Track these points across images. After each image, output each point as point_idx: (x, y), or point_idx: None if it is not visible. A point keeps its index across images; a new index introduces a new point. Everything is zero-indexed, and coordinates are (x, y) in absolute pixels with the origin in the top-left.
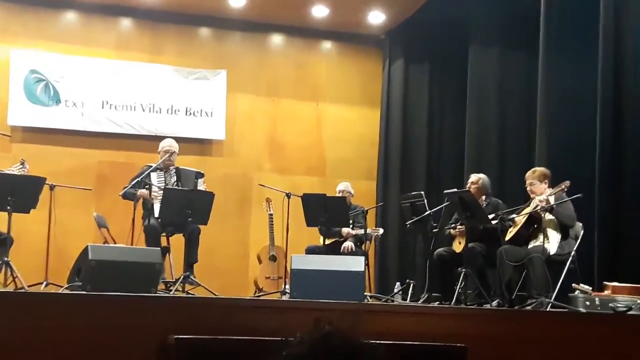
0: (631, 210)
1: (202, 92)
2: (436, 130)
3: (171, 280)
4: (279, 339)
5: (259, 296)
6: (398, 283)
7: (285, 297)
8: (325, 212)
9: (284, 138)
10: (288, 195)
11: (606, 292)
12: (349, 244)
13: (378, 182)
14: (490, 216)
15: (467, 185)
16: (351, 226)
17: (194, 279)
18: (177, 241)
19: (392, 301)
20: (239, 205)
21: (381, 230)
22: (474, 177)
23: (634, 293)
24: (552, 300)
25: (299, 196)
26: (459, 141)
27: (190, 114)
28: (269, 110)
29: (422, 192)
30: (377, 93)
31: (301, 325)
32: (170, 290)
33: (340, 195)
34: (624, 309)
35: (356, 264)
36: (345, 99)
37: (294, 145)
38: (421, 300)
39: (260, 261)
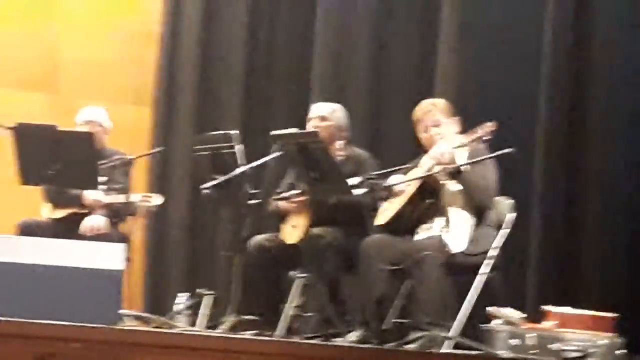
0: (597, 184)
1: None
2: (266, 23)
3: None
4: None
5: None
6: (185, 295)
7: None
8: (57, 159)
9: None
10: None
11: (548, 325)
12: (97, 221)
13: (157, 109)
14: (352, 181)
15: (311, 123)
16: (105, 188)
17: None
18: None
19: (173, 327)
20: None
21: (158, 199)
22: (321, 110)
23: (596, 327)
24: (454, 335)
25: (7, 128)
26: (304, 46)
27: None
28: None
29: (235, 132)
30: None
31: None
32: None
33: (84, 130)
34: (577, 355)
35: (109, 257)
36: None
37: None
38: (225, 326)
39: None
